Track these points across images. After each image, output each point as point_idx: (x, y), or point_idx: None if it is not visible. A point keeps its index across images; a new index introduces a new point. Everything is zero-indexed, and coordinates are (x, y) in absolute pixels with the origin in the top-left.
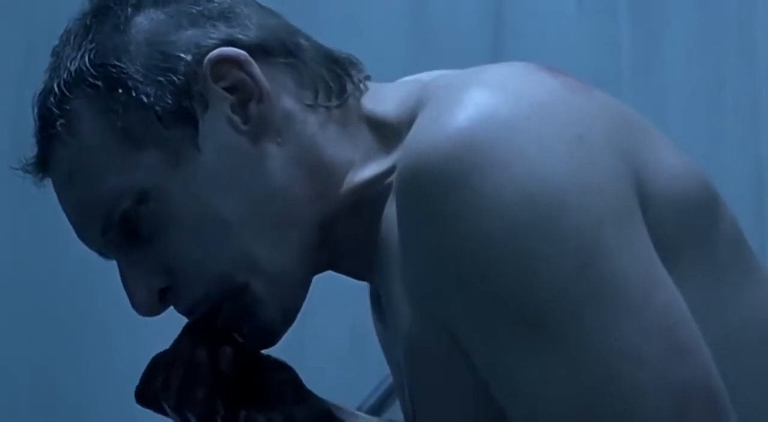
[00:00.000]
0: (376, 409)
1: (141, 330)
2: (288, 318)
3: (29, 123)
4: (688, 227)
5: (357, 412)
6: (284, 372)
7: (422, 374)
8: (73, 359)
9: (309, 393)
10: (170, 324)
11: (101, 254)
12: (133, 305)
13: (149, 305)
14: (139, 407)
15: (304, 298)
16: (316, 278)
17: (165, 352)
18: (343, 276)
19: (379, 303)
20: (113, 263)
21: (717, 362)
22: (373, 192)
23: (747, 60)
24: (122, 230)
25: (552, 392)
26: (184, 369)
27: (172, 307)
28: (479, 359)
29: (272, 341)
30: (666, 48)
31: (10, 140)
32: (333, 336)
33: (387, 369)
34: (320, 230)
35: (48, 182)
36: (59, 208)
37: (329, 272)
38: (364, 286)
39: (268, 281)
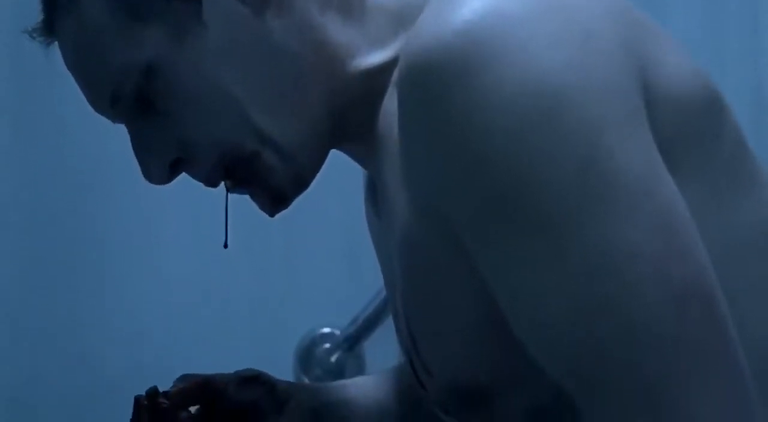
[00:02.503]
0: (372, 321)
1: (136, 240)
2: (299, 185)
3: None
4: (692, 129)
5: (349, 386)
6: (257, 387)
7: (416, 267)
8: (69, 275)
9: (288, 394)
10: (167, 242)
11: (113, 122)
12: (144, 175)
13: (159, 176)
14: (134, 323)
15: (316, 168)
16: (310, 196)
17: None
18: (339, 191)
19: (374, 193)
20: (111, 179)
21: (715, 267)
22: (379, 81)
23: (749, 49)
24: (131, 103)
25: (551, 291)
26: None
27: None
28: (477, 256)
29: (284, 204)
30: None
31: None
32: (328, 251)
33: (381, 282)
34: (327, 107)
35: (54, 50)
36: (57, 124)
37: (323, 193)
38: (359, 201)
39: (277, 151)
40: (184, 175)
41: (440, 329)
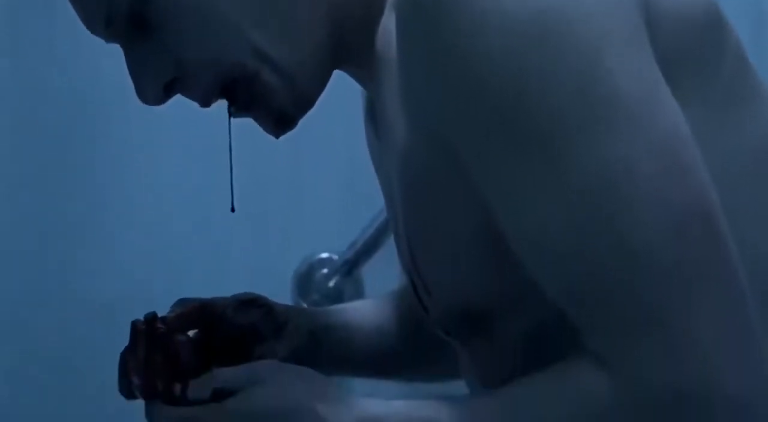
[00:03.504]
0: (371, 245)
1: (135, 164)
2: (302, 106)
3: None
4: (693, 46)
5: (348, 310)
6: (255, 311)
7: (416, 187)
8: (65, 196)
9: (286, 317)
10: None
11: (107, 41)
12: (138, 95)
13: (154, 97)
14: (132, 248)
15: (318, 88)
16: (312, 120)
17: (126, 351)
18: (341, 115)
19: (374, 114)
20: (109, 96)
21: (716, 186)
22: (377, 1)
23: None
24: (126, 23)
25: (550, 213)
26: (144, 369)
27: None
28: (478, 178)
29: (288, 126)
30: None
31: None
32: (327, 176)
33: (380, 207)
34: (326, 27)
35: None
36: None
37: (325, 117)
38: (360, 126)
39: (276, 70)
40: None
41: (440, 250)
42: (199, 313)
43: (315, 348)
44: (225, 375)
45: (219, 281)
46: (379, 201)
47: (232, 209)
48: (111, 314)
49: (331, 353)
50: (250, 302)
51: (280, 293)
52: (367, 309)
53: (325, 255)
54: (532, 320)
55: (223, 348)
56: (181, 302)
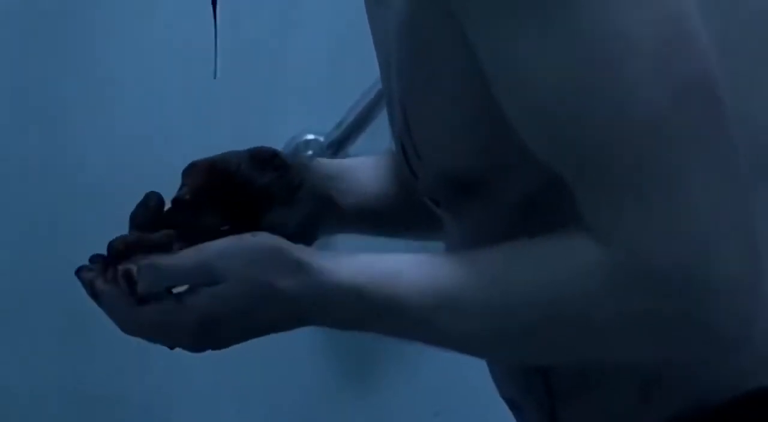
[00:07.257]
0: (356, 126)
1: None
2: None
3: None
4: None
5: (360, 168)
6: (270, 171)
7: (415, 49)
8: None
9: (301, 178)
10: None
11: None
12: None
13: None
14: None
15: None
16: None
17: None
18: None
19: None
20: None
21: (716, 54)
22: None
23: None
24: None
25: (547, 74)
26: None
27: None
28: (474, 41)
29: None
30: None
31: None
32: (312, 56)
33: (365, 87)
34: None
35: None
36: None
37: None
38: (347, 2)
39: None
40: None
41: (437, 115)
42: (210, 175)
43: (325, 214)
44: (172, 270)
45: None
46: (364, 80)
47: (215, 76)
48: (96, 180)
49: (341, 217)
50: (268, 160)
51: None
52: (372, 167)
53: (310, 137)
54: (528, 188)
55: (235, 212)
56: (191, 167)
